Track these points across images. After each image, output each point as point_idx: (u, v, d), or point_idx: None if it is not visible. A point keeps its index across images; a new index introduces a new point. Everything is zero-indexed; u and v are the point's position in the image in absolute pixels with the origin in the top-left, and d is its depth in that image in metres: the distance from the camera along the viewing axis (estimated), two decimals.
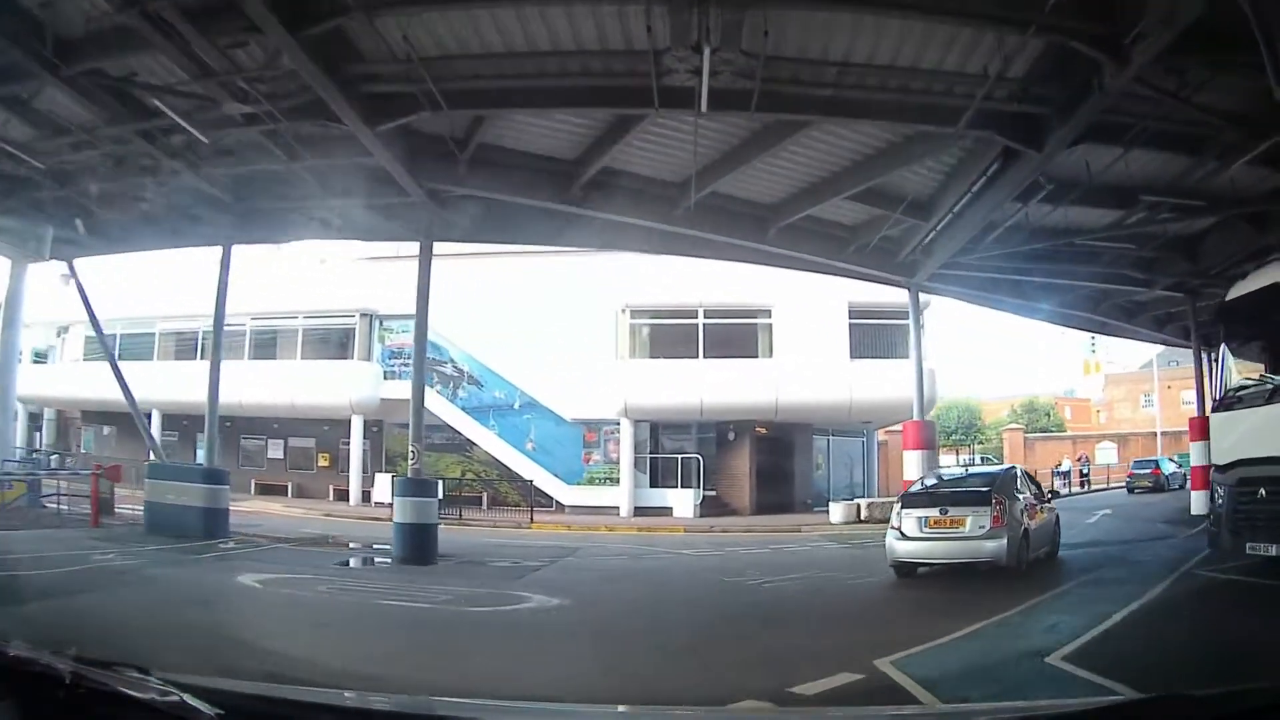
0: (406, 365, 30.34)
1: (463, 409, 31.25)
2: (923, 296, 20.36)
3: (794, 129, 13.26)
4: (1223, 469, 11.08)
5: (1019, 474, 14.16)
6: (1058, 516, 15.14)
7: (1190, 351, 24.59)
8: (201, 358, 30.19)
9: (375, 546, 17.72)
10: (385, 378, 31.76)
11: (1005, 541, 11.73)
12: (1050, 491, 16.86)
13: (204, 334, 31.22)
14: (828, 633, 9.31)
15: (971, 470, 16.46)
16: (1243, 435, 10.71)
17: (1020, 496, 12.98)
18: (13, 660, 2.20)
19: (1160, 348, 41.70)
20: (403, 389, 26.97)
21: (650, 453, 30.41)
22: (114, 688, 2.18)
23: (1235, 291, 11.65)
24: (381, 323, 32.43)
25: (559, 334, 29.42)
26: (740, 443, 29.84)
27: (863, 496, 29.46)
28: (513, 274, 30.85)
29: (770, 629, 9.55)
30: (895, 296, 21.39)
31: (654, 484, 29.70)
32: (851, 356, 27.66)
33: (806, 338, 27.80)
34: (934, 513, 12.30)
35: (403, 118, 12.54)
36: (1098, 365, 72.86)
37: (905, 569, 12.60)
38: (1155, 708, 2.44)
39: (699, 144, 13.63)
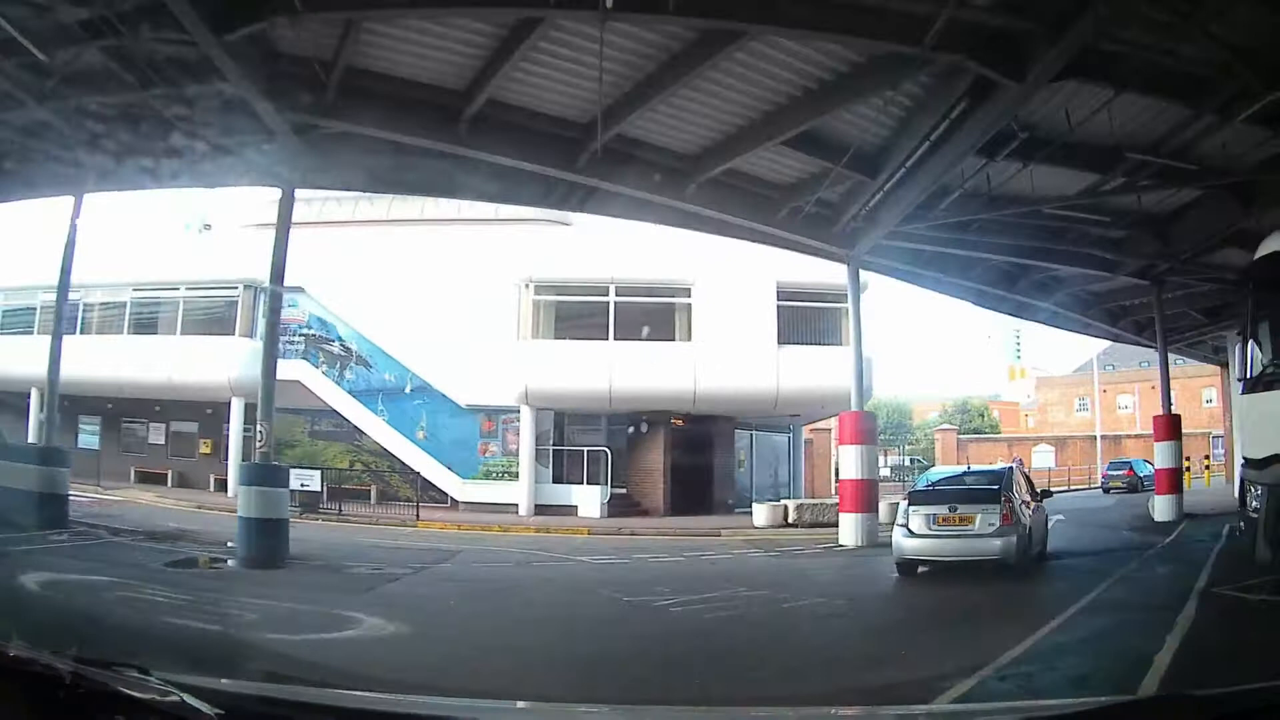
0: (294, 343, 28.01)
1: (350, 392, 28.54)
2: (862, 276, 18.35)
3: (719, 47, 10.98)
4: (1259, 464, 9.08)
5: (1017, 472, 14.14)
6: (1047, 516, 15.23)
7: (1132, 352, 23.33)
8: (82, 332, 28.47)
9: (228, 545, 15.27)
10: None
11: (1014, 539, 11.89)
12: (1043, 491, 16.27)
13: (85, 306, 29.28)
14: (760, 688, 6.60)
15: (971, 468, 16.09)
16: None
17: (1020, 495, 13.11)
18: (13, 660, 2.13)
19: (1104, 345, 40.68)
20: (290, 369, 24.81)
21: (554, 445, 27.93)
22: (114, 688, 2.15)
23: (1266, 248, 9.64)
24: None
25: (455, 311, 26.74)
26: (654, 435, 27.62)
27: (789, 498, 27.37)
28: (407, 244, 28.36)
29: (677, 681, 6.89)
30: (828, 277, 19.95)
31: (557, 479, 27.26)
32: (780, 342, 25.43)
33: (730, 320, 25.55)
34: (943, 510, 12.44)
35: (255, 23, 10.58)
36: (1023, 371, 73.91)
37: (910, 566, 12.72)
38: (1155, 707, 2.47)
39: (605, 71, 11.45)
